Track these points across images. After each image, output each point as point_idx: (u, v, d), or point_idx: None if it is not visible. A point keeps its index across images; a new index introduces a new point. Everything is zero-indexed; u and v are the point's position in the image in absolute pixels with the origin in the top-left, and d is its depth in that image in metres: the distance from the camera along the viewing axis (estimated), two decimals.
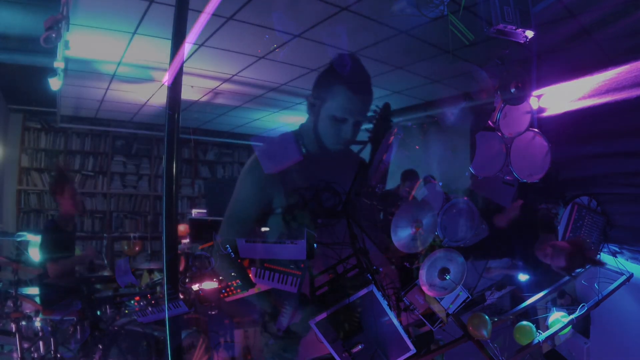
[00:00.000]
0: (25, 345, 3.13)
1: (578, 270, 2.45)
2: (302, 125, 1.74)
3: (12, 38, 3.82)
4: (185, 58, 1.44)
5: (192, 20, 2.78)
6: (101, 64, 4.47)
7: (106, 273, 3.96)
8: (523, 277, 2.62)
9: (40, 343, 3.22)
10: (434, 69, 4.37)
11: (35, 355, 3.19)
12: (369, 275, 1.53)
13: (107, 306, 3.17)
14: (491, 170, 2.34)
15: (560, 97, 2.62)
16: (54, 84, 3.91)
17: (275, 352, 1.70)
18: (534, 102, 2.46)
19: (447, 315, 1.75)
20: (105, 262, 4.83)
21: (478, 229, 1.82)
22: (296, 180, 1.58)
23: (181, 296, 1.56)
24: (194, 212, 5.67)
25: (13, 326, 3.10)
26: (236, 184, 1.71)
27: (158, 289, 3.05)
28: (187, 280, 1.72)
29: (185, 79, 1.43)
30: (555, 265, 1.84)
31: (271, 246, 1.47)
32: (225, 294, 1.54)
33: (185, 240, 4.49)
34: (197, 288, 1.68)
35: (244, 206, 1.65)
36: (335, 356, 1.55)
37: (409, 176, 1.77)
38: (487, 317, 1.92)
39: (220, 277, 1.56)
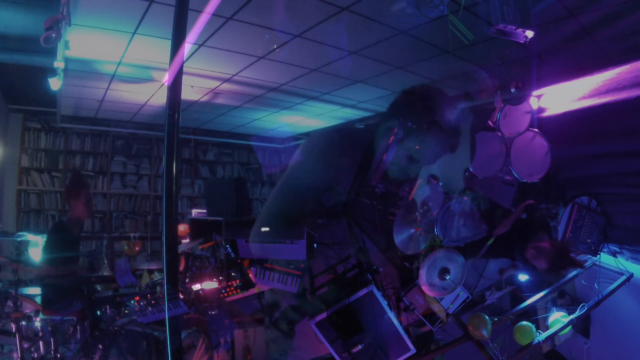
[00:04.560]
0: (25, 345, 3.13)
1: (561, 274, 2.45)
2: (370, 129, 1.64)
3: (12, 38, 3.82)
4: (185, 58, 1.43)
5: (192, 20, 2.78)
6: (101, 64, 4.47)
7: (106, 273, 3.96)
8: (523, 277, 2.62)
9: (40, 343, 3.21)
10: (434, 69, 4.37)
11: (35, 355, 3.19)
12: (369, 275, 1.53)
13: (107, 306, 3.16)
14: (491, 170, 2.34)
15: (560, 97, 2.62)
16: (54, 84, 3.91)
17: (284, 350, 1.69)
18: (534, 102, 2.46)
19: (447, 315, 1.76)
20: (105, 262, 4.82)
21: (478, 228, 1.82)
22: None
23: (181, 296, 1.56)
24: (194, 212, 5.67)
25: (13, 326, 3.10)
26: (300, 156, 1.62)
27: (158, 289, 3.05)
28: (187, 280, 1.72)
29: (185, 79, 1.43)
30: (538, 266, 1.84)
31: (271, 246, 1.47)
32: (226, 294, 1.54)
33: (185, 240, 4.50)
34: (197, 288, 1.68)
35: (308, 177, 1.57)
36: (335, 356, 1.55)
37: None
38: (487, 317, 1.93)
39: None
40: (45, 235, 3.58)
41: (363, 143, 1.61)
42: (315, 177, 1.53)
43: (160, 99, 5.72)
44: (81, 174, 4.20)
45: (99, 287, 3.74)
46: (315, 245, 1.48)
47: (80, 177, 3.93)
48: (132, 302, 2.36)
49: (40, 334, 3.22)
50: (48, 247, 3.45)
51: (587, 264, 2.66)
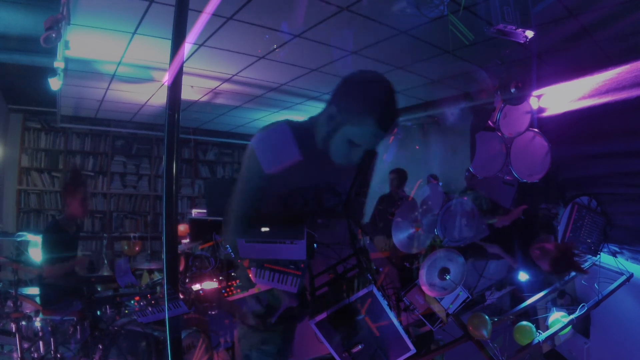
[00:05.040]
0: (25, 345, 3.13)
1: (564, 275, 2.45)
2: (312, 120, 1.65)
3: (12, 38, 3.82)
4: (185, 58, 1.43)
5: (192, 20, 2.78)
6: (101, 64, 4.47)
7: (106, 273, 3.97)
8: (523, 277, 2.62)
9: (40, 343, 3.21)
10: (434, 69, 4.37)
11: (35, 355, 3.19)
12: (369, 275, 1.53)
13: (107, 306, 3.16)
14: (491, 170, 2.35)
15: (560, 97, 2.62)
16: (54, 84, 3.91)
17: (253, 345, 1.67)
18: (534, 102, 2.46)
19: (447, 315, 1.75)
20: (105, 262, 4.83)
21: (478, 228, 1.82)
22: (293, 176, 1.54)
23: (181, 296, 1.56)
24: (194, 212, 5.67)
25: (13, 326, 3.10)
26: (243, 166, 1.63)
27: (158, 289, 3.06)
28: (187, 280, 1.72)
29: (185, 79, 1.43)
30: (542, 268, 1.84)
31: (271, 246, 1.46)
32: (226, 294, 1.54)
33: (185, 240, 4.50)
34: (197, 288, 1.68)
35: (252, 184, 1.58)
36: (335, 356, 1.55)
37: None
38: (487, 317, 1.93)
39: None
40: (41, 235, 3.58)
41: (306, 136, 1.60)
42: (260, 178, 1.54)
43: (160, 99, 5.72)
44: (79, 172, 4.19)
45: (99, 287, 3.74)
46: (315, 245, 1.48)
47: (77, 175, 3.93)
48: (132, 302, 2.36)
49: (40, 334, 3.22)
50: (43, 247, 3.45)
51: (587, 264, 2.66)
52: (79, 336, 3.13)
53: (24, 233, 3.87)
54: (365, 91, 1.53)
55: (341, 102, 1.52)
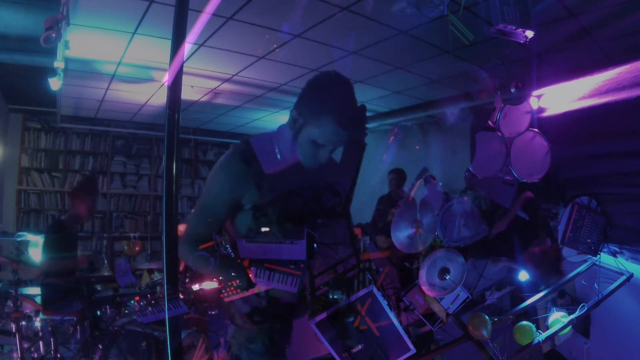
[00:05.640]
0: (25, 345, 3.13)
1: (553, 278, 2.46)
2: (281, 129, 1.67)
3: (12, 38, 3.82)
4: (185, 58, 1.43)
5: (192, 20, 2.78)
6: (101, 64, 4.47)
7: (106, 273, 3.97)
8: (523, 276, 2.62)
9: (40, 343, 3.21)
10: (434, 69, 4.37)
11: (35, 355, 3.19)
12: (369, 275, 1.53)
13: (107, 306, 3.16)
14: (491, 170, 2.35)
15: (560, 97, 2.62)
16: (54, 84, 3.91)
17: (242, 344, 1.68)
18: (534, 102, 2.46)
19: (447, 315, 1.75)
20: (106, 262, 4.82)
21: (478, 228, 1.82)
22: (272, 181, 1.55)
23: (181, 296, 1.56)
24: None
25: (13, 326, 3.10)
26: (208, 176, 1.66)
27: (158, 289, 3.05)
28: (187, 280, 1.72)
29: (185, 79, 1.43)
30: (530, 268, 1.85)
31: (271, 246, 1.47)
32: (225, 294, 1.54)
33: None
34: (197, 288, 1.68)
35: (215, 201, 1.62)
36: (335, 356, 1.55)
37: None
38: (487, 317, 1.93)
39: (220, 277, 1.55)
40: (43, 235, 3.59)
41: (269, 147, 1.63)
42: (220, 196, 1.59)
43: (160, 99, 5.72)
44: (95, 180, 4.24)
45: (99, 287, 3.74)
46: (315, 245, 1.48)
47: (93, 182, 3.98)
48: (132, 302, 2.35)
49: (40, 334, 3.22)
50: (45, 246, 3.46)
51: (587, 264, 2.66)
52: (79, 336, 3.14)
53: (24, 233, 3.86)
54: (321, 91, 1.57)
55: (300, 105, 1.55)
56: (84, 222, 3.80)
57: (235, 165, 1.57)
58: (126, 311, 3.08)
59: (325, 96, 1.54)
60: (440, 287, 1.61)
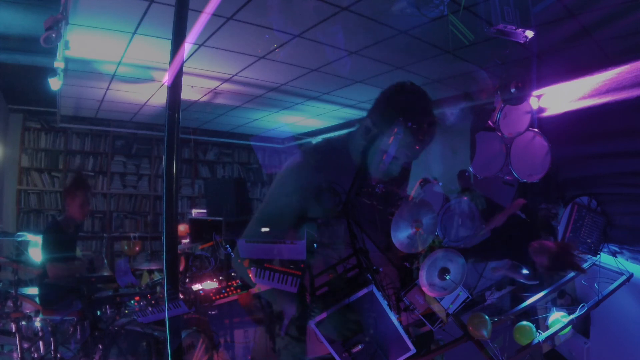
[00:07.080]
0: (25, 345, 3.13)
1: (562, 273, 2.45)
2: (350, 134, 1.66)
3: (12, 38, 3.82)
4: (185, 58, 1.43)
5: (192, 20, 2.78)
6: (101, 64, 4.47)
7: (106, 273, 3.96)
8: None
9: (40, 343, 3.22)
10: (434, 69, 4.37)
11: (35, 355, 3.19)
12: (369, 275, 1.53)
13: (107, 306, 3.17)
14: (491, 170, 2.35)
15: (560, 97, 2.62)
16: (54, 84, 3.91)
17: (296, 356, 1.68)
18: (534, 102, 2.46)
19: (447, 315, 1.75)
20: (105, 262, 4.82)
21: (478, 229, 1.82)
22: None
23: (181, 296, 1.56)
24: (194, 212, 5.67)
25: (13, 326, 3.10)
26: (274, 182, 1.62)
27: (158, 289, 3.06)
28: (187, 280, 1.72)
29: (185, 79, 1.43)
30: (539, 263, 1.84)
31: (271, 246, 1.46)
32: (225, 294, 1.54)
33: (185, 240, 4.49)
34: (197, 288, 1.68)
35: (282, 207, 1.58)
36: (335, 356, 1.55)
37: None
38: (487, 317, 1.92)
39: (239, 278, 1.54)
40: (41, 235, 3.59)
41: (342, 151, 1.61)
42: (295, 198, 1.56)
43: (160, 99, 5.72)
44: (83, 176, 4.19)
45: (99, 287, 3.74)
46: (315, 245, 1.48)
47: (80, 179, 3.93)
48: (132, 302, 2.36)
49: (40, 334, 3.22)
50: (43, 247, 3.45)
51: (587, 264, 2.66)
52: (79, 336, 3.14)
53: (24, 233, 3.86)
54: (397, 102, 1.52)
55: (374, 115, 1.52)
56: (80, 221, 3.78)
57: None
58: (126, 311, 3.08)
59: (407, 110, 1.50)
60: (440, 287, 1.61)
